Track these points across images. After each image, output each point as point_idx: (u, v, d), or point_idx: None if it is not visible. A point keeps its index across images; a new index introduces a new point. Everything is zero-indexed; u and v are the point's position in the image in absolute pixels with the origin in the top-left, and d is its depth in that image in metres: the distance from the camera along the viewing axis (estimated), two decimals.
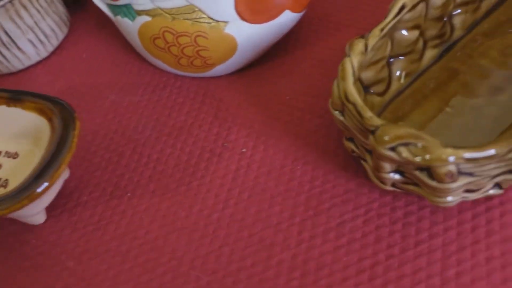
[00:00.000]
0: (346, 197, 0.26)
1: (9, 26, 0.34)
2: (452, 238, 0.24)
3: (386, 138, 0.21)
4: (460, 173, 0.21)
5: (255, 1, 0.29)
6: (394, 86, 0.29)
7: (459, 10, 0.30)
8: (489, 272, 0.22)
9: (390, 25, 0.25)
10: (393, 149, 0.21)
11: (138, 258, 0.26)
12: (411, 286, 0.22)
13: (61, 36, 0.38)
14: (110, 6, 0.33)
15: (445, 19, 0.29)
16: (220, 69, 0.32)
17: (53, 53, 0.38)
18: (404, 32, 0.27)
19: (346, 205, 0.26)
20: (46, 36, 0.36)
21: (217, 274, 0.24)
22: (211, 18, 0.29)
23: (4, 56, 0.35)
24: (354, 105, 0.22)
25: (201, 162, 0.29)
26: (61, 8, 0.38)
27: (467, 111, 0.27)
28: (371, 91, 0.28)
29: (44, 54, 0.37)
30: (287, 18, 0.30)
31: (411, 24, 0.27)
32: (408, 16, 0.27)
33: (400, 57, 0.29)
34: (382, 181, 0.24)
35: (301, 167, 0.28)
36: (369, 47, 0.24)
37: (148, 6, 0.30)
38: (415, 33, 0.28)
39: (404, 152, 0.20)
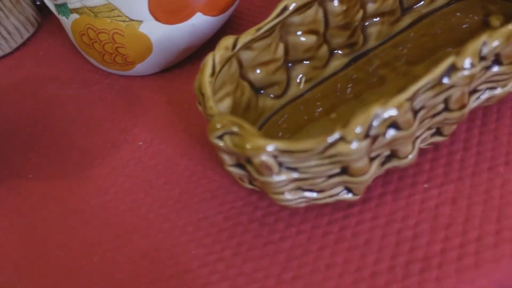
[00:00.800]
0: (216, 193, 0.26)
1: None
2: (301, 242, 0.23)
3: (218, 126, 0.21)
4: (283, 167, 0.20)
5: (167, 2, 0.30)
6: (292, 91, 0.28)
7: (377, 19, 0.30)
8: (325, 279, 0.21)
9: (269, 25, 0.25)
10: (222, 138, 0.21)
11: (11, 235, 0.27)
12: (246, 284, 0.22)
13: (26, 35, 0.41)
14: (55, 5, 0.35)
15: (355, 27, 0.29)
16: (142, 68, 0.33)
17: (16, 49, 0.41)
18: (299, 36, 0.27)
19: (213, 201, 0.25)
20: (9, 33, 0.39)
21: (74, 254, 0.25)
22: (127, 17, 0.31)
23: None
24: (203, 95, 0.22)
25: (100, 152, 0.30)
26: (29, 10, 0.41)
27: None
28: (263, 92, 0.28)
29: (7, 49, 0.40)
30: (200, 20, 0.31)
31: (305, 28, 0.27)
32: (297, 19, 0.27)
33: (305, 62, 0.28)
34: (241, 178, 0.23)
35: (186, 162, 0.28)
36: (239, 45, 0.25)
37: (77, 4, 0.32)
38: (312, 38, 0.28)
39: (228, 141, 0.20)
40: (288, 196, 0.21)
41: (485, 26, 0.29)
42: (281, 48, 0.27)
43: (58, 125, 0.32)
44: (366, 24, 0.30)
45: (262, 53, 0.27)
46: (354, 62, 0.29)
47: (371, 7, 0.29)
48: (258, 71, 0.27)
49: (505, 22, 0.28)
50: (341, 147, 0.19)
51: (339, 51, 0.29)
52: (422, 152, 0.24)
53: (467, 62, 0.20)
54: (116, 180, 0.28)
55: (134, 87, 0.34)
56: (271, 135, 0.27)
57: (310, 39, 0.28)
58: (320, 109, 0.28)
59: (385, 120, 0.19)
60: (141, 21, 0.31)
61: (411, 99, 0.20)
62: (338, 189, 0.22)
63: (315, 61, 0.29)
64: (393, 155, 0.22)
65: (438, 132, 0.23)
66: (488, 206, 0.22)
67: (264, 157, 0.20)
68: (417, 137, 0.22)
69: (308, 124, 0.27)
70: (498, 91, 0.23)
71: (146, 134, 0.30)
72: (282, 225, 0.23)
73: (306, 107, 0.28)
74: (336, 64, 0.29)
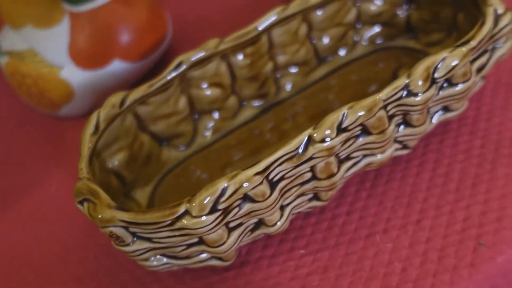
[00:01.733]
0: (105, 248, 0.26)
1: None
2: None
3: (80, 191, 0.21)
4: (136, 237, 0.20)
5: (85, 47, 0.31)
6: (200, 141, 0.28)
7: (291, 70, 0.29)
8: None
9: (163, 81, 0.25)
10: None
11: None
12: None
13: None
14: None
15: (266, 79, 0.29)
16: (69, 111, 0.33)
17: None
18: (203, 89, 0.27)
19: (101, 256, 0.25)
20: None
21: None
22: (48, 63, 0.31)
23: None
24: (80, 155, 0.23)
25: (14, 194, 0.30)
26: None
27: None
28: (167, 143, 0.28)
29: None
30: (120, 67, 0.31)
31: (208, 81, 0.27)
32: (197, 73, 0.27)
33: (212, 113, 0.28)
34: None
35: None
36: (128, 102, 0.25)
37: (8, 47, 0.33)
38: (217, 91, 0.28)
39: (85, 208, 0.20)
40: (154, 262, 0.21)
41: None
42: (183, 101, 0.27)
43: None
44: (278, 75, 0.29)
45: (161, 107, 0.27)
46: (265, 113, 0.29)
47: (281, 58, 0.29)
48: (159, 123, 0.27)
49: None
50: (187, 221, 0.19)
51: (251, 102, 0.29)
52: (306, 215, 0.24)
53: (324, 135, 0.20)
54: (22, 227, 0.28)
55: (61, 129, 0.34)
56: (178, 185, 0.27)
57: (215, 92, 0.28)
58: (241, 154, 0.27)
59: (233, 194, 0.19)
60: (61, 67, 0.31)
61: (263, 172, 0.19)
62: (207, 255, 0.22)
63: (223, 112, 0.29)
64: (261, 222, 0.22)
65: (316, 197, 0.23)
66: (355, 278, 0.21)
67: (114, 228, 0.20)
68: (287, 204, 0.22)
69: (227, 169, 0.27)
70: (378, 157, 0.22)
71: (62, 179, 0.30)
72: (158, 286, 0.23)
73: (220, 155, 0.27)
74: (246, 114, 0.29)
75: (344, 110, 0.20)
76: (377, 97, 0.20)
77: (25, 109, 0.37)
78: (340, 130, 0.20)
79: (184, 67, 0.26)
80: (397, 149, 0.23)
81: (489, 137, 0.24)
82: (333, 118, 0.20)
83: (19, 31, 0.32)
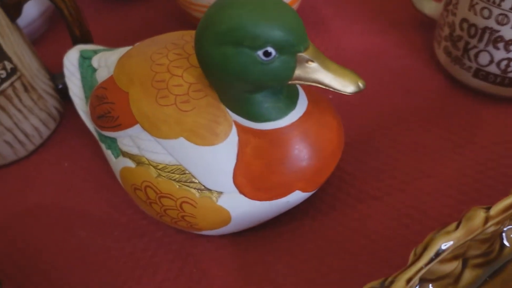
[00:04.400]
0: None
1: None
2: None
3: None
4: None
5: (258, 177, 0.23)
6: None
7: None
8: None
9: (421, 273, 0.19)
10: None
11: None
12: None
13: (46, 133, 0.33)
14: (96, 131, 0.28)
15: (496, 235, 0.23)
16: (211, 232, 0.26)
17: (34, 152, 0.33)
18: (441, 265, 0.21)
19: None
20: (27, 135, 0.31)
21: None
22: (203, 185, 0.24)
23: None
24: None
25: None
26: (52, 102, 0.33)
27: None
28: None
29: (22, 153, 0.32)
30: (296, 197, 0.24)
31: (449, 256, 0.21)
32: (445, 253, 0.21)
33: (430, 282, 0.22)
34: None
35: None
36: None
37: (134, 150, 0.25)
38: (454, 264, 0.22)
39: None
40: None
41: None
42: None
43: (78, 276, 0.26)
44: (505, 229, 0.24)
45: None
46: (492, 278, 0.23)
47: None
48: None
49: None
50: None
51: (473, 262, 0.23)
52: None
53: None
54: None
55: (195, 249, 0.27)
56: None
57: (451, 266, 0.22)
58: None
59: None
60: (221, 193, 0.24)
61: None
62: None
63: (446, 279, 0.23)
64: None
65: None
66: None
67: None
68: None
69: None
70: None
71: None
72: None
73: None
74: (467, 277, 0.23)
75: None
76: None
77: (136, 214, 0.29)
78: None
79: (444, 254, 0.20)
80: None
81: None
82: None
83: (159, 139, 0.24)
